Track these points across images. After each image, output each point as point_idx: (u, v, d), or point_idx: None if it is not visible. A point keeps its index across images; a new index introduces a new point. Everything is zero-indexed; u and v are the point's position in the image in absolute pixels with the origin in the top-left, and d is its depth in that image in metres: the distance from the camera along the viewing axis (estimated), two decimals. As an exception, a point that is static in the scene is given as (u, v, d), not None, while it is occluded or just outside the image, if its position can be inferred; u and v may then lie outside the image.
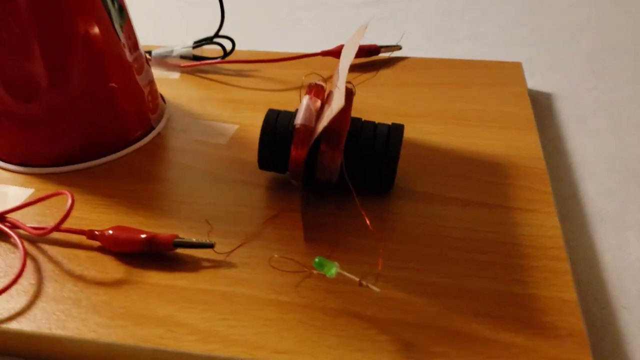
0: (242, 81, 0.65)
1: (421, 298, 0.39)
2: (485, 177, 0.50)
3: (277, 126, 0.46)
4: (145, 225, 0.45)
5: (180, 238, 0.42)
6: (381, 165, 0.46)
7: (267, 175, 0.50)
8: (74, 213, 0.46)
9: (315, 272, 0.39)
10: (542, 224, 0.45)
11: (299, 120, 0.45)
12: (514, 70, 0.66)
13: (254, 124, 0.57)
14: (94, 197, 0.48)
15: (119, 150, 0.53)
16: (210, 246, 0.42)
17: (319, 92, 0.46)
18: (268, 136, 0.46)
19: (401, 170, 0.50)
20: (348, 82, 0.48)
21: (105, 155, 0.52)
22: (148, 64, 0.56)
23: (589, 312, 0.41)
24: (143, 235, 0.42)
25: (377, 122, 0.47)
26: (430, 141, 0.55)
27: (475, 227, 0.45)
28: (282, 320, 0.38)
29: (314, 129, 0.44)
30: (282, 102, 0.60)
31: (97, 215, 0.47)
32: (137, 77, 0.53)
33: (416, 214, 0.46)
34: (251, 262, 0.42)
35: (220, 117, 0.59)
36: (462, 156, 0.52)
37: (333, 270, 0.37)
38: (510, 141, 0.54)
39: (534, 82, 0.68)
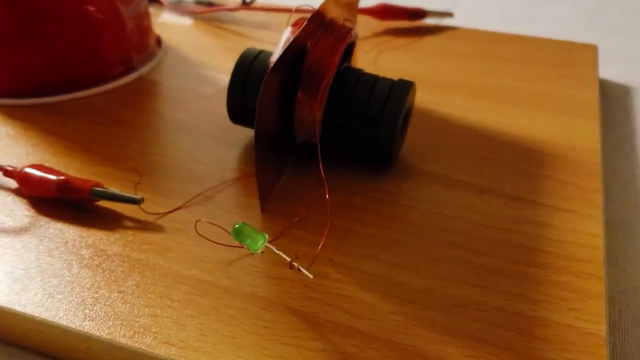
0: (262, 34, 0.56)
1: (385, 301, 0.29)
2: (519, 165, 0.39)
3: (252, 68, 0.37)
4: (84, 173, 0.37)
5: (101, 187, 0.33)
6: (376, 130, 0.35)
7: (246, 133, 0.41)
8: (15, 150, 0.39)
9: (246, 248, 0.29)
10: (577, 229, 0.33)
11: (274, 56, 0.35)
12: (586, 52, 0.54)
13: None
14: (47, 136, 0.41)
15: (90, 87, 0.45)
16: (135, 201, 0.33)
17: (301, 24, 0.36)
18: (239, 79, 0.37)
19: (412, 144, 0.40)
20: (347, 19, 0.38)
21: (72, 91, 0.44)
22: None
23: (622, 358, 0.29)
24: (56, 178, 0.34)
25: (382, 76, 0.37)
26: (464, 118, 0.43)
27: (487, 222, 0.34)
28: (191, 302, 0.28)
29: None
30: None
31: (42, 156, 0.39)
32: (121, 7, 0.45)
33: (415, 197, 0.36)
34: (184, 230, 0.33)
35: (219, 67, 0.50)
36: (498, 138, 0.41)
37: (259, 244, 0.27)
38: (564, 128, 0.42)
39: (609, 71, 0.55)
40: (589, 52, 0.53)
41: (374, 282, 0.30)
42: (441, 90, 0.47)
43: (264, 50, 0.38)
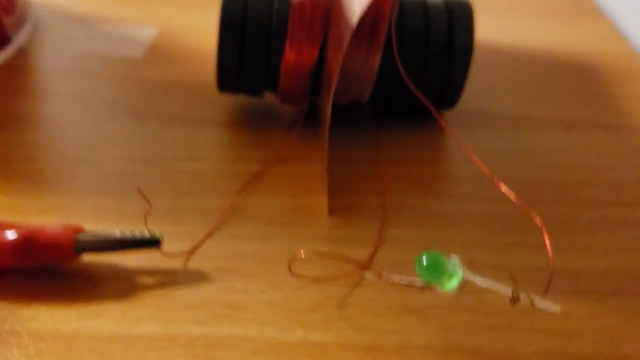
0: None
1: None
2: (581, 86, 0.31)
3: (249, 3, 0.25)
4: (13, 210, 0.23)
5: (89, 233, 0.20)
6: (446, 69, 0.26)
7: (226, 104, 0.29)
8: None
9: (420, 283, 0.19)
10: None
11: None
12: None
13: (182, 25, 0.35)
14: None
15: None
16: (154, 243, 0.21)
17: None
18: (236, 23, 0.25)
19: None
20: None
21: None
22: None
23: None
24: (11, 235, 0.20)
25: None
26: (494, 39, 0.35)
27: (606, 163, 0.26)
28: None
29: (327, 6, 0.24)
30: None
31: None
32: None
33: (509, 147, 0.27)
34: (238, 268, 0.21)
35: (124, 18, 0.36)
36: (535, 60, 0.33)
37: (455, 280, 0.17)
38: (581, 35, 0.36)
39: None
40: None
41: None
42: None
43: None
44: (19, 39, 0.33)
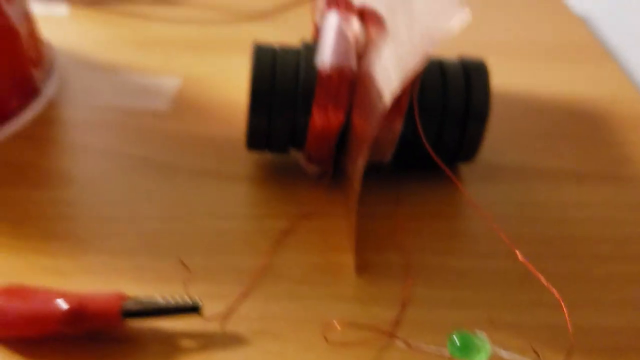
0: (165, 12, 0.43)
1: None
2: (587, 135, 0.33)
3: (277, 72, 0.26)
4: (56, 272, 0.24)
5: (134, 299, 0.22)
6: (462, 129, 0.27)
7: (252, 159, 0.30)
8: None
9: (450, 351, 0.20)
10: None
11: (326, 58, 0.25)
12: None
13: (205, 73, 0.36)
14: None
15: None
16: (194, 309, 0.22)
17: (349, 5, 0.26)
18: (265, 90, 0.26)
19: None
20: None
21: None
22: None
23: None
24: (63, 305, 0.21)
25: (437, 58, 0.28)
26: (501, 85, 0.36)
27: (614, 215, 0.28)
28: None
29: (356, 73, 0.25)
30: (240, 38, 0.40)
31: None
32: (6, 6, 0.31)
33: (517, 200, 0.28)
34: (269, 329, 0.23)
35: (146, 67, 0.37)
36: (536, 106, 0.35)
37: (483, 354, 0.18)
38: (587, 79, 0.37)
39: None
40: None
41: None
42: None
43: (277, 48, 0.27)
44: (47, 91, 0.34)
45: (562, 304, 0.22)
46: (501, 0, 0.46)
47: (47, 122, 0.33)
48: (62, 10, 0.43)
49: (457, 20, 0.19)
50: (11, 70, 0.32)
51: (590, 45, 0.40)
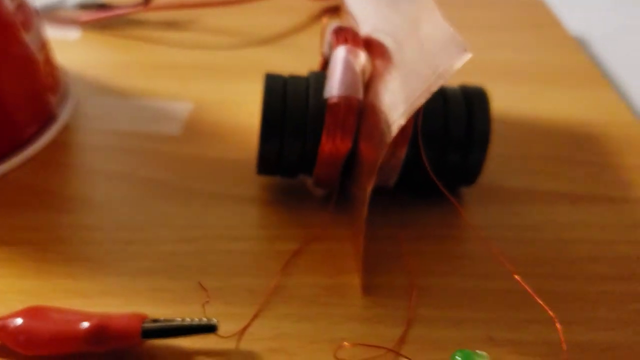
0: (175, 37, 0.44)
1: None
2: (581, 156, 0.34)
3: (288, 101, 0.28)
4: (78, 294, 0.25)
5: (155, 320, 0.23)
6: (464, 155, 0.28)
7: (263, 182, 0.32)
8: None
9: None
10: None
11: (334, 88, 0.26)
12: (537, 8, 0.50)
13: (215, 97, 0.38)
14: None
15: (2, 159, 0.32)
16: (211, 328, 0.23)
17: (356, 39, 0.28)
18: (277, 119, 0.28)
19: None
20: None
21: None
22: (38, 15, 0.35)
23: None
24: (84, 324, 0.22)
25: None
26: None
27: (610, 236, 0.29)
28: None
29: (363, 102, 0.26)
30: (249, 62, 0.41)
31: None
32: (24, 35, 0.32)
33: (516, 224, 0.30)
34: (283, 348, 0.24)
35: (158, 91, 0.38)
36: (531, 128, 0.36)
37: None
38: (582, 101, 0.39)
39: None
40: (540, 7, 0.50)
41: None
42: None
43: (287, 78, 0.29)
44: (63, 116, 0.35)
45: (556, 321, 0.23)
46: (499, 24, 0.48)
47: (63, 146, 0.34)
48: (74, 34, 0.44)
49: (461, 58, 0.20)
50: (30, 98, 0.33)
51: (586, 68, 0.42)
